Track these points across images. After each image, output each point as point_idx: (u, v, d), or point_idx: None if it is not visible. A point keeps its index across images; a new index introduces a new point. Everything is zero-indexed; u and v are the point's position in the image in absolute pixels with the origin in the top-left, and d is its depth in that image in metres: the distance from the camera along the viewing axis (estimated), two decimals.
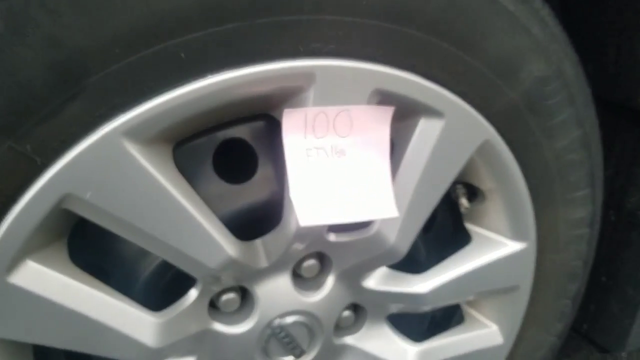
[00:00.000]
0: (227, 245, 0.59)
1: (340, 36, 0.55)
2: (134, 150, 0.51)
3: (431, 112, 0.65)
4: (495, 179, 0.76)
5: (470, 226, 0.84)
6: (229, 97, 0.53)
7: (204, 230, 0.57)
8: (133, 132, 0.50)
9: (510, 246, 0.81)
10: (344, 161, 0.60)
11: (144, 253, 0.61)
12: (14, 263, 0.52)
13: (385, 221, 0.68)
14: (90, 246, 0.61)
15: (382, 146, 0.62)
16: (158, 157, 0.53)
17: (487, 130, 0.69)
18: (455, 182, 0.80)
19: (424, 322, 0.87)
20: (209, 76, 0.51)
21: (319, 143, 0.58)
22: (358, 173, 0.61)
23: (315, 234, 0.65)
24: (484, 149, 0.71)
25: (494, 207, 0.80)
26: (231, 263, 0.61)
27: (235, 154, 0.63)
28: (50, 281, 0.55)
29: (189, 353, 0.69)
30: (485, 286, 0.82)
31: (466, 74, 0.64)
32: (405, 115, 0.65)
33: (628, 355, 1.45)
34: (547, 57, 0.67)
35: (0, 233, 0.51)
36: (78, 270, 0.57)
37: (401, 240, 0.69)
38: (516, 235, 0.81)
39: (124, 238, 0.57)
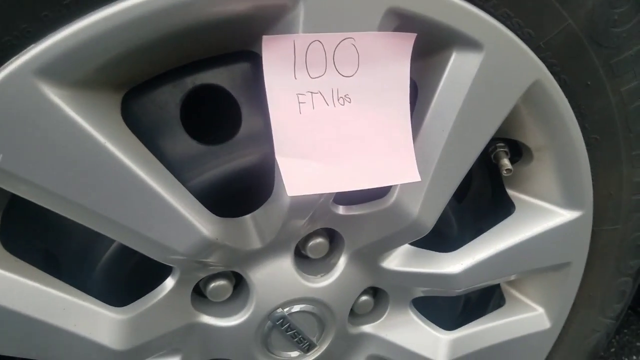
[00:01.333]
0: (202, 223, 0.43)
1: None
2: (56, 97, 0.35)
3: (466, 42, 0.46)
4: (546, 132, 0.57)
5: (513, 193, 0.66)
6: (181, 20, 0.36)
7: (167, 204, 0.41)
8: (51, 71, 0.34)
9: (562, 216, 0.63)
10: (349, 109, 0.43)
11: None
12: None
13: (406, 188, 0.50)
14: (34, 226, 0.46)
15: (401, 88, 0.44)
16: (94, 107, 0.37)
17: (537, 68, 0.50)
18: (495, 139, 0.61)
19: (456, 306, 0.70)
20: None
21: (314, 85, 0.41)
22: (368, 125, 0.43)
23: (318, 206, 0.49)
24: (533, 93, 0.52)
25: (543, 169, 0.61)
26: (209, 245, 0.45)
27: (212, 105, 0.47)
28: None
29: (172, 353, 0.54)
30: (531, 264, 0.64)
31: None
32: (431, 47, 0.46)
33: None
34: None
35: None
36: (12, 259, 0.42)
37: (426, 211, 0.52)
38: (569, 203, 0.62)
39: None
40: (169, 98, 0.43)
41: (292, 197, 0.44)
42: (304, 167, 0.40)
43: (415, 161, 0.45)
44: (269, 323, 0.56)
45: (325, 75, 0.41)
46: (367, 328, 0.65)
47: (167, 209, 0.40)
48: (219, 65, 0.44)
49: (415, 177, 0.45)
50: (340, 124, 0.42)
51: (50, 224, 0.46)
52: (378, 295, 0.65)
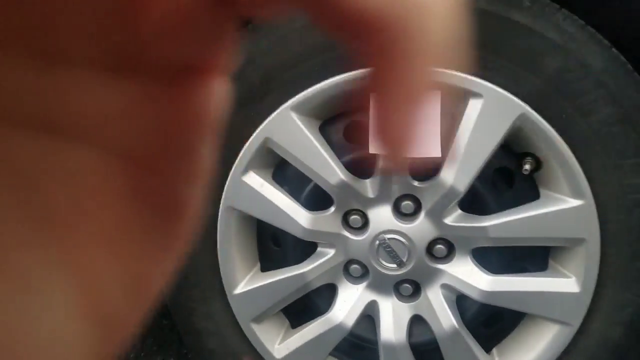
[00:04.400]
0: (341, 171, 0.96)
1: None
2: (297, 118, 0.95)
3: (474, 95, 0.90)
4: (545, 147, 0.92)
5: (540, 188, 0.99)
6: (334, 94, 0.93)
7: (323, 155, 0.96)
8: (296, 108, 0.95)
9: (570, 202, 0.93)
10: None
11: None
12: (246, 170, 1.01)
13: (446, 168, 0.94)
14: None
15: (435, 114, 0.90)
16: (310, 124, 0.96)
17: (520, 106, 0.89)
18: (525, 154, 0.98)
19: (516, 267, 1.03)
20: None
21: None
22: None
23: (402, 178, 0.96)
24: (525, 121, 0.90)
25: (552, 171, 0.94)
26: (345, 184, 0.97)
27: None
28: (262, 185, 1.01)
29: (330, 246, 1.05)
30: (547, 232, 0.94)
31: (495, 68, 0.88)
32: (461, 98, 0.92)
33: None
34: (566, 53, 0.86)
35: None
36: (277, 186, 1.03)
37: (459, 181, 0.93)
38: (574, 194, 0.93)
39: None
40: (334, 127, 1.00)
41: (388, 173, 0.93)
42: None
43: (439, 144, 0.89)
44: (377, 241, 1.02)
45: None
46: (441, 266, 1.04)
47: (324, 158, 0.95)
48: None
49: (438, 153, 0.89)
50: None
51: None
52: (449, 245, 1.03)
